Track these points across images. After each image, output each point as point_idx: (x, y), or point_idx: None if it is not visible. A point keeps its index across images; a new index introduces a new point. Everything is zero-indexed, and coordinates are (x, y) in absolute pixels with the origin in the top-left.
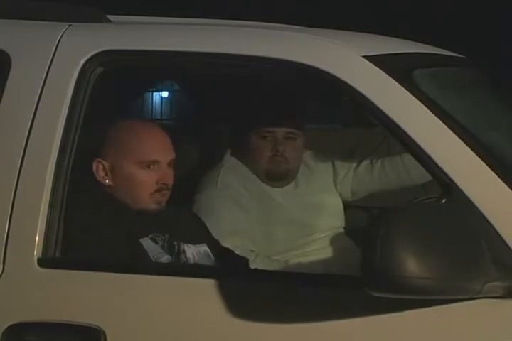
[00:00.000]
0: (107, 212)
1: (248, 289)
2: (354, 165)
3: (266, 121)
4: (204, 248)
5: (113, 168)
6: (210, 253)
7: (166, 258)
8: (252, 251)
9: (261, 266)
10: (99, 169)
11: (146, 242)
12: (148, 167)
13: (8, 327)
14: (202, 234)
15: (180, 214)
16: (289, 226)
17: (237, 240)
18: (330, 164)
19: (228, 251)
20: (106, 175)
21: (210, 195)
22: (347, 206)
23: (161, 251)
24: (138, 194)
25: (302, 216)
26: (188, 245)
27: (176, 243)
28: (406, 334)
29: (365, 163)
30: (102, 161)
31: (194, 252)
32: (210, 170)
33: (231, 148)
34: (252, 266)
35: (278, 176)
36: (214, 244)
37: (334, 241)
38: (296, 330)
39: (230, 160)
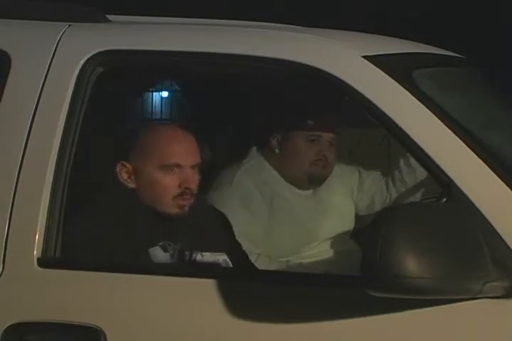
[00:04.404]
0: (117, 214)
1: (248, 289)
2: (378, 176)
3: (314, 124)
4: (223, 257)
5: (136, 170)
6: (229, 262)
7: None
8: (254, 253)
9: (262, 266)
10: (123, 171)
11: (155, 252)
12: (171, 170)
13: (8, 327)
14: (222, 242)
15: (202, 220)
16: (297, 229)
17: (240, 241)
18: (355, 170)
19: (248, 261)
20: (129, 177)
21: (222, 194)
22: None
23: (168, 262)
24: (160, 197)
25: (313, 219)
26: (203, 254)
27: (187, 253)
28: (406, 334)
29: (389, 176)
30: (126, 164)
31: (209, 261)
32: (228, 169)
33: (257, 148)
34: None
35: (319, 180)
36: (235, 253)
37: (337, 244)
38: (296, 330)
39: (251, 161)
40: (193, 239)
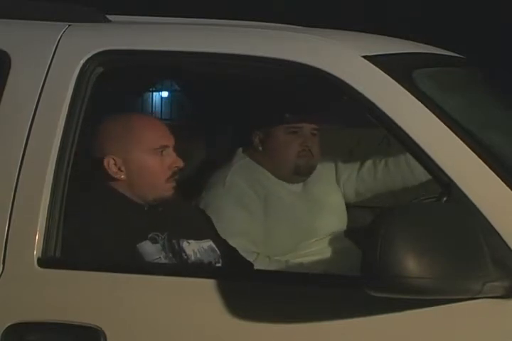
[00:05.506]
0: (106, 212)
1: (248, 289)
2: (357, 165)
3: (294, 117)
4: (208, 243)
5: (125, 161)
6: (216, 248)
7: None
8: (253, 252)
9: (261, 266)
10: (111, 165)
11: (144, 246)
12: (161, 153)
13: (8, 327)
14: (206, 230)
15: (183, 209)
16: (293, 227)
17: (238, 241)
18: (332, 164)
19: (234, 248)
20: (119, 170)
21: (216, 195)
22: (348, 205)
23: (158, 256)
24: (155, 181)
25: (308, 216)
26: (189, 241)
27: (174, 241)
28: (406, 334)
29: (369, 163)
30: (113, 157)
31: (195, 249)
32: (219, 169)
33: (243, 148)
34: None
35: (307, 170)
36: (220, 240)
37: (335, 242)
38: (296, 330)
39: (240, 160)
40: (177, 229)
